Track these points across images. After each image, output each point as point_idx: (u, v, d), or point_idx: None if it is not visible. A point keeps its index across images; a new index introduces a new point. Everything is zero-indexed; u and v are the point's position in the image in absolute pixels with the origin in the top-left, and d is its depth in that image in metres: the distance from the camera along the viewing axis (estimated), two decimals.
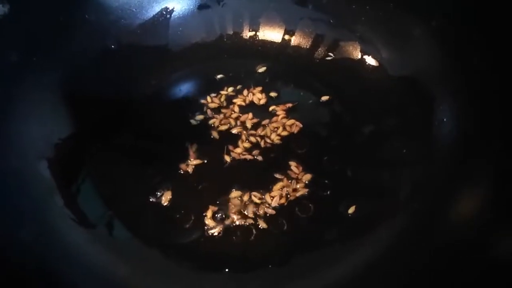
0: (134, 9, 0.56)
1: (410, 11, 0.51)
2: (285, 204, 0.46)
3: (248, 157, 0.49)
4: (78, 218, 0.42)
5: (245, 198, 0.46)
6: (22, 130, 0.44)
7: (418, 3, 0.50)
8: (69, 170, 0.45)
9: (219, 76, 0.56)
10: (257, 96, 0.54)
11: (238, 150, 0.50)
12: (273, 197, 0.46)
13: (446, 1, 0.48)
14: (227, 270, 0.42)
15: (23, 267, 0.37)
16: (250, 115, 0.53)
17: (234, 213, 0.45)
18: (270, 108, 0.53)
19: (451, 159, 0.45)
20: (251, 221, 0.45)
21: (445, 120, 0.47)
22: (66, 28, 0.50)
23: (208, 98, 0.54)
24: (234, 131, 0.51)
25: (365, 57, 0.55)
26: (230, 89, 0.55)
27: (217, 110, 0.53)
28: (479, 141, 0.44)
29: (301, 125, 0.51)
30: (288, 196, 0.46)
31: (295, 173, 0.48)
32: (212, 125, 0.52)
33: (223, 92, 0.55)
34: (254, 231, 0.44)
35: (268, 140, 0.50)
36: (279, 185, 0.47)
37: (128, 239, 0.43)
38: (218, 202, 0.46)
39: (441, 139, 0.47)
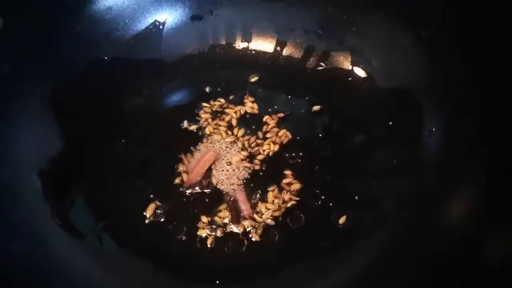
0: (127, 21, 0.56)
1: (399, 21, 0.52)
2: (277, 215, 0.46)
3: (241, 168, 0.49)
4: (69, 230, 0.42)
5: (237, 210, 0.46)
6: (14, 143, 0.44)
7: (407, 13, 0.51)
8: (61, 183, 0.45)
9: (212, 86, 0.57)
10: (249, 106, 0.55)
11: (231, 161, 0.50)
12: (267, 209, 0.46)
13: (435, 11, 0.49)
14: (218, 281, 0.42)
15: (13, 280, 0.37)
16: (242, 125, 0.53)
17: (226, 224, 0.45)
18: (262, 118, 0.54)
19: (441, 168, 0.45)
20: (242, 232, 0.45)
21: (434, 129, 0.47)
22: (59, 40, 0.50)
23: (201, 109, 0.54)
24: (227, 141, 0.52)
25: (356, 67, 0.55)
26: (223, 99, 0.56)
27: (209, 120, 0.53)
28: (468, 150, 0.44)
29: (290, 136, 0.52)
30: (280, 205, 0.46)
31: (286, 184, 0.48)
32: (205, 136, 0.52)
33: (215, 102, 0.55)
34: (245, 242, 0.44)
35: (260, 151, 0.51)
36: (271, 196, 0.47)
37: (119, 251, 0.43)
38: (210, 213, 0.46)
39: (431, 148, 0.47)
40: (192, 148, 0.51)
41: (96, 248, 0.43)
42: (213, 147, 0.51)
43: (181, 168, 0.49)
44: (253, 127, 0.53)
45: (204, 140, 0.52)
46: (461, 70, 0.46)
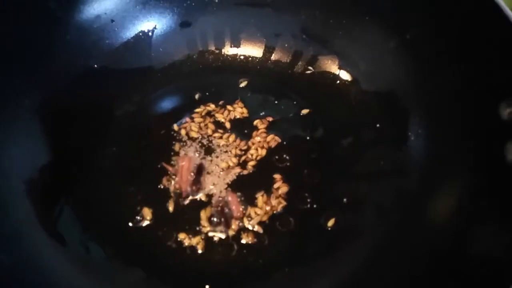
0: (116, 29, 0.57)
1: (385, 25, 0.52)
2: (266, 219, 0.46)
3: (230, 172, 0.50)
4: (57, 240, 0.42)
5: (227, 214, 0.46)
6: (3, 153, 0.44)
7: (393, 16, 0.51)
8: (50, 192, 0.45)
9: (201, 92, 0.57)
10: (239, 111, 0.55)
11: (220, 165, 0.50)
12: (257, 214, 0.46)
13: (420, 14, 0.49)
14: (207, 286, 0.42)
15: None
16: (233, 130, 0.53)
17: (216, 229, 0.46)
18: (253, 123, 0.54)
19: (428, 170, 0.46)
20: (232, 237, 0.45)
21: (420, 132, 0.48)
22: (47, 50, 0.50)
23: (191, 114, 0.55)
24: (216, 146, 0.52)
25: (343, 71, 0.56)
26: (212, 104, 0.56)
27: (199, 126, 0.54)
28: (455, 152, 0.44)
29: (279, 140, 0.52)
30: (268, 211, 0.47)
31: (275, 187, 0.48)
32: (195, 141, 0.52)
33: (205, 108, 0.55)
34: (235, 246, 0.45)
35: (249, 155, 0.51)
36: (260, 200, 0.47)
37: (109, 259, 0.43)
38: (200, 219, 0.46)
39: (418, 150, 0.47)
40: (179, 153, 0.51)
41: (85, 257, 0.43)
42: (202, 151, 0.51)
43: (167, 177, 0.49)
44: (244, 131, 0.53)
45: (193, 145, 0.52)
46: (447, 73, 0.46)
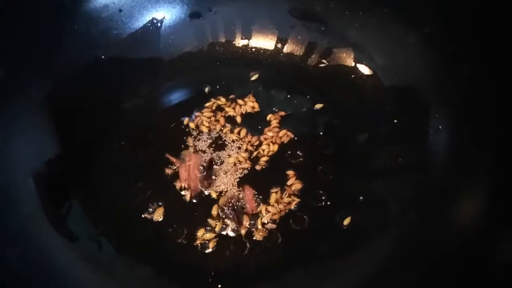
0: (124, 19, 0.55)
1: (403, 17, 0.50)
2: (279, 217, 0.45)
3: (242, 168, 0.48)
4: (66, 236, 0.41)
5: (239, 211, 0.45)
6: (10, 147, 0.43)
7: (411, 9, 0.50)
8: (58, 187, 0.44)
9: (211, 85, 0.56)
10: (250, 105, 0.54)
11: (231, 161, 0.49)
12: (268, 211, 0.45)
13: (439, 7, 0.47)
14: (220, 286, 0.41)
15: (9, 286, 0.36)
16: (243, 124, 0.52)
17: (228, 226, 0.44)
18: (266, 117, 0.52)
19: (448, 167, 0.44)
20: (244, 235, 0.44)
21: (440, 128, 0.46)
22: (55, 41, 0.49)
23: (201, 108, 0.53)
24: (227, 141, 0.51)
25: (359, 64, 0.54)
26: (223, 98, 0.54)
27: (209, 120, 0.52)
28: (475, 149, 0.43)
29: (292, 135, 0.51)
30: (281, 209, 0.45)
31: (289, 184, 0.47)
32: (205, 136, 0.51)
33: (215, 102, 0.54)
34: (247, 245, 0.43)
35: (261, 151, 0.50)
36: (273, 197, 0.46)
37: (118, 256, 0.42)
38: (211, 215, 0.45)
39: (437, 147, 0.46)
40: (188, 148, 0.50)
41: (94, 254, 0.42)
42: (212, 147, 0.50)
43: (174, 171, 0.48)
44: (255, 126, 0.52)
45: (203, 140, 0.51)
46: (466, 68, 0.45)
